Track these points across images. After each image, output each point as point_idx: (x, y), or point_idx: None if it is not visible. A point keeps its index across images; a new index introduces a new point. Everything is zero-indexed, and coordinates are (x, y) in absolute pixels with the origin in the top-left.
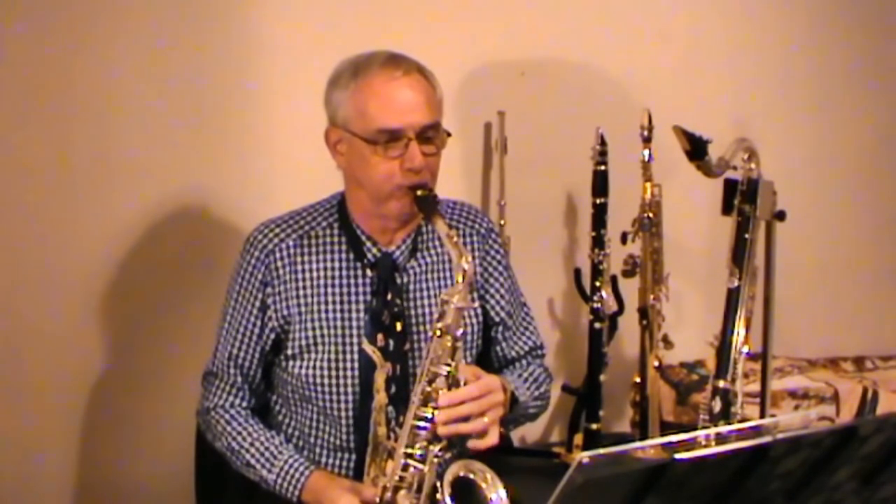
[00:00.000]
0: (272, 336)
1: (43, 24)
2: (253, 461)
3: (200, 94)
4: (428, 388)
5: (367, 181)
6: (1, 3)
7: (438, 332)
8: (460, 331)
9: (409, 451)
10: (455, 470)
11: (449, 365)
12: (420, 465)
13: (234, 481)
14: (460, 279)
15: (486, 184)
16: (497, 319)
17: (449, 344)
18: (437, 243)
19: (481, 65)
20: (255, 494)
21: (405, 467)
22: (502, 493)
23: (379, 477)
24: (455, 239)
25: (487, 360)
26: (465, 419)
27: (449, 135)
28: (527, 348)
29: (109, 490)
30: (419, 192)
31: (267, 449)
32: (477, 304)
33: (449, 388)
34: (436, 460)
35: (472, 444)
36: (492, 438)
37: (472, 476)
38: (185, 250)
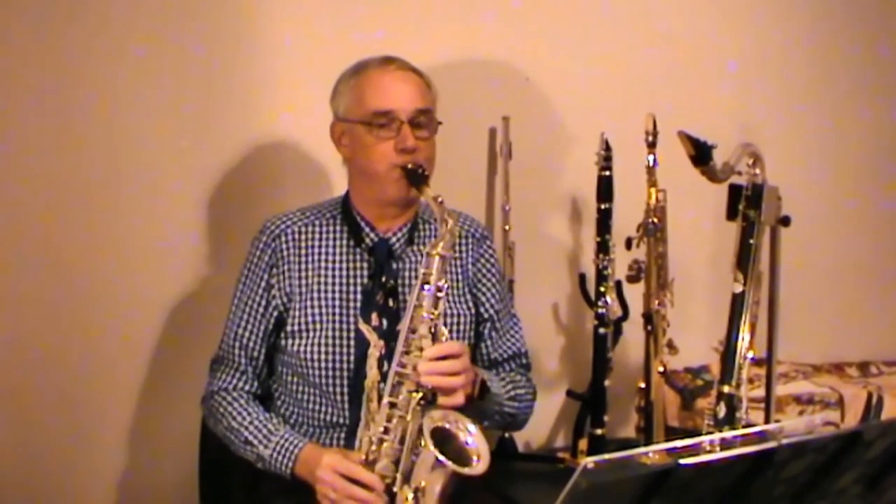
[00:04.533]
0: (275, 314)
1: (50, 27)
2: (251, 437)
3: (206, 97)
4: (412, 337)
5: (365, 163)
6: (8, 6)
7: (421, 281)
8: (443, 281)
9: (392, 400)
10: (434, 419)
11: (432, 314)
12: (402, 413)
13: (238, 482)
14: (443, 230)
15: (491, 189)
16: (486, 316)
17: (432, 293)
18: (434, 234)
19: (486, 70)
20: (258, 493)
21: (389, 417)
22: (472, 427)
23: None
24: (440, 200)
25: (475, 359)
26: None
27: (440, 123)
28: (510, 352)
29: (114, 491)
30: (409, 166)
31: (265, 426)
32: (457, 254)
33: (432, 338)
34: (417, 409)
35: (442, 401)
36: (458, 399)
37: (448, 426)
38: (192, 252)
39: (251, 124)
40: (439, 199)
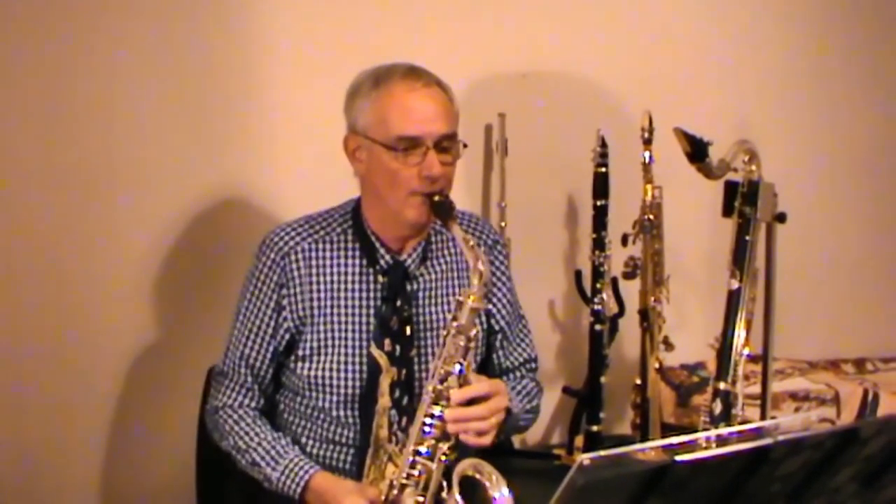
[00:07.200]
0: (286, 336)
1: (47, 27)
2: (258, 459)
3: (206, 101)
4: (440, 387)
5: (385, 187)
6: (4, 2)
7: (453, 331)
8: (473, 331)
9: (418, 448)
10: (463, 468)
11: (461, 364)
12: (428, 463)
13: (236, 482)
14: (476, 281)
15: (487, 186)
16: (497, 328)
17: (462, 343)
18: (447, 252)
19: (482, 67)
20: (257, 494)
21: (413, 465)
22: (506, 490)
23: (378, 480)
24: (471, 243)
25: (488, 368)
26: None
27: (465, 146)
28: (521, 360)
29: (114, 489)
30: (436, 198)
31: (273, 448)
32: (489, 305)
33: (460, 388)
34: (443, 458)
35: (467, 438)
36: (488, 438)
37: (479, 476)
38: (192, 255)
39: (249, 130)
40: (471, 244)
